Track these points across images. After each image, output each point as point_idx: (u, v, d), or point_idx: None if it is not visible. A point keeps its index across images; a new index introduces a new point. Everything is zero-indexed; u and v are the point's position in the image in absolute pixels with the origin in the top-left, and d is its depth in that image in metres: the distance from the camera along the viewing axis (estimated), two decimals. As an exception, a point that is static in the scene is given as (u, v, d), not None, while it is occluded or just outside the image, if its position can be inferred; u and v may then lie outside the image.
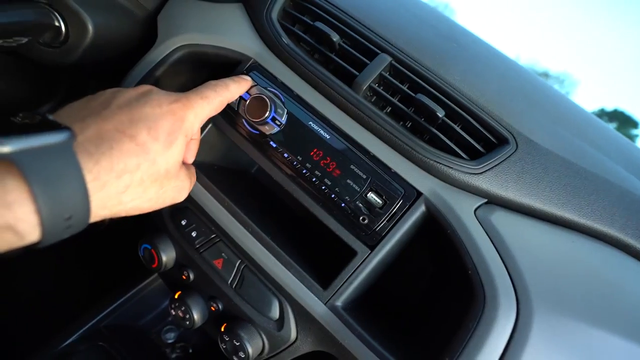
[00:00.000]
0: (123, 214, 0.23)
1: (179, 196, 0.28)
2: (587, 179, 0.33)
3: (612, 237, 0.32)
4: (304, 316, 0.35)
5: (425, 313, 0.36)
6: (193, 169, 0.32)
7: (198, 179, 0.37)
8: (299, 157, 0.33)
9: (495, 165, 0.31)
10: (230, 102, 0.31)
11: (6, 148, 0.16)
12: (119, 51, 0.38)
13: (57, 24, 0.31)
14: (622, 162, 0.39)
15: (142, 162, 0.21)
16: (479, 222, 0.31)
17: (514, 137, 0.32)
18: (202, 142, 0.37)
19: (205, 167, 0.39)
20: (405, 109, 0.33)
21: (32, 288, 0.54)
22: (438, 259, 0.36)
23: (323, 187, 0.33)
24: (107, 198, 0.20)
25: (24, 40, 0.29)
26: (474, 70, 0.37)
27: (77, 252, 0.57)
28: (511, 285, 0.28)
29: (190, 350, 0.56)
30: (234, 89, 0.31)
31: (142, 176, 0.21)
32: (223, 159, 0.42)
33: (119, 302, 0.48)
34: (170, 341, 0.56)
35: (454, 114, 0.33)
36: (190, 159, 0.32)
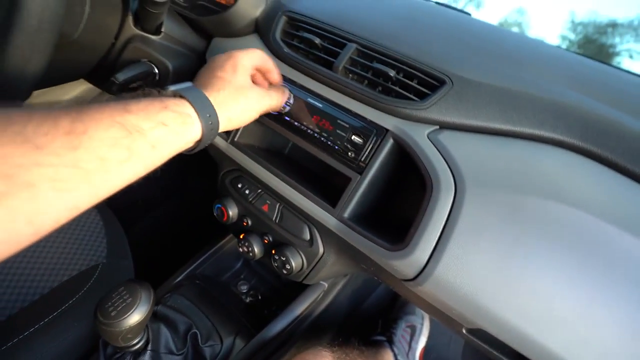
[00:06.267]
0: (235, 121, 0.39)
1: (262, 102, 0.43)
2: (515, 97, 0.44)
3: (545, 137, 0.42)
4: (325, 232, 0.50)
5: (410, 213, 0.48)
6: (280, 88, 0.48)
7: (247, 154, 0.54)
8: (304, 123, 0.50)
9: (437, 101, 0.44)
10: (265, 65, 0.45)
11: (174, 88, 0.34)
12: (187, 79, 0.59)
13: (155, 71, 0.53)
14: (562, 79, 0.48)
15: (224, 84, 0.38)
16: (431, 141, 0.43)
17: (450, 78, 0.45)
18: (245, 130, 0.56)
19: (249, 147, 0.56)
20: (366, 74, 0.47)
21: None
22: (411, 175, 0.49)
23: (322, 139, 0.48)
24: (218, 106, 0.36)
25: (140, 83, 0.51)
26: (423, 38, 0.50)
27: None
28: (451, 175, 0.40)
29: (259, 297, 0.74)
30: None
31: (228, 91, 0.38)
32: (262, 141, 0.60)
33: (205, 255, 0.68)
34: (244, 290, 0.74)
35: (403, 71, 0.46)
36: (276, 80, 0.48)
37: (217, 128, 0.36)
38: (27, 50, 0.33)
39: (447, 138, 0.43)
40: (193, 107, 0.33)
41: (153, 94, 0.33)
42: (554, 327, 0.34)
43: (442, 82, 0.45)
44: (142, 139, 0.28)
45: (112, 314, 0.38)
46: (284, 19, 0.56)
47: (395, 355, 0.84)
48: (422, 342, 0.91)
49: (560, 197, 0.37)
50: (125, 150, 0.26)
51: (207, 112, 0.34)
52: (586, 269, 0.34)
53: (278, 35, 0.55)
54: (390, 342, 0.86)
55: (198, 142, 0.35)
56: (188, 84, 0.37)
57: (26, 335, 0.47)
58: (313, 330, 0.67)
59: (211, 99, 0.36)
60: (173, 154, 0.32)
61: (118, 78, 0.46)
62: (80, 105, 0.25)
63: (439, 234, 0.39)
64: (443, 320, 0.45)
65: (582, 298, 0.34)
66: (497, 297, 0.36)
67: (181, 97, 0.34)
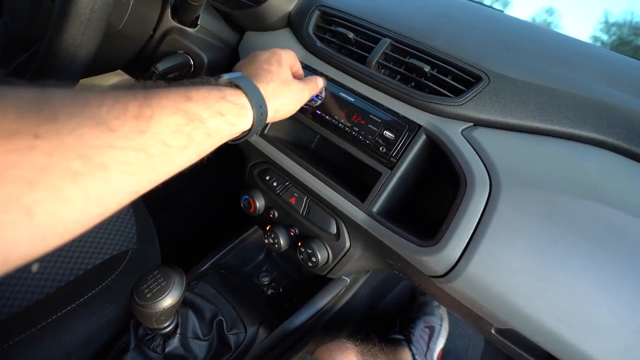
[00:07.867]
0: (281, 112, 0.40)
1: (303, 95, 0.44)
2: (555, 95, 0.43)
3: (586, 136, 0.41)
4: (352, 227, 0.50)
5: (439, 210, 0.48)
6: (313, 79, 0.47)
7: (276, 147, 0.55)
8: (335, 117, 0.50)
9: (473, 97, 0.43)
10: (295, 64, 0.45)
11: (228, 77, 0.35)
12: (220, 71, 0.61)
13: (191, 62, 0.54)
14: (603, 77, 0.46)
15: (272, 76, 0.39)
16: (465, 138, 0.43)
17: (487, 74, 0.44)
18: (275, 123, 0.56)
19: (278, 140, 0.57)
20: (399, 69, 0.47)
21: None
22: (441, 172, 0.48)
23: (353, 133, 0.48)
24: (268, 98, 0.37)
25: (177, 74, 0.52)
26: (457, 34, 0.50)
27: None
28: (486, 172, 0.39)
29: (281, 289, 0.75)
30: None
31: (276, 82, 0.39)
32: (290, 135, 0.60)
33: (230, 246, 0.69)
34: (266, 282, 0.76)
35: (438, 67, 0.46)
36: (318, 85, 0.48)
37: (266, 120, 0.37)
38: (78, 38, 0.35)
39: (482, 135, 0.42)
40: (248, 98, 0.34)
41: (211, 82, 0.34)
42: (593, 331, 0.33)
43: (478, 79, 0.44)
44: (201, 127, 0.28)
45: (148, 295, 0.39)
46: (317, 13, 0.56)
47: (413, 355, 0.83)
48: (440, 344, 0.90)
49: (602, 198, 0.36)
50: (186, 137, 0.27)
51: (259, 104, 0.35)
52: (629, 273, 0.33)
53: (311, 29, 0.55)
54: (409, 342, 0.85)
55: (245, 133, 0.36)
56: (240, 74, 0.37)
57: (64, 312, 0.49)
58: (332, 324, 0.67)
59: (261, 90, 0.37)
60: (222, 143, 0.33)
61: (158, 68, 0.47)
62: (146, 89, 0.26)
63: (472, 231, 0.38)
64: (470, 318, 0.45)
65: (624, 303, 0.32)
66: (532, 298, 0.35)
67: (237, 86, 0.34)
